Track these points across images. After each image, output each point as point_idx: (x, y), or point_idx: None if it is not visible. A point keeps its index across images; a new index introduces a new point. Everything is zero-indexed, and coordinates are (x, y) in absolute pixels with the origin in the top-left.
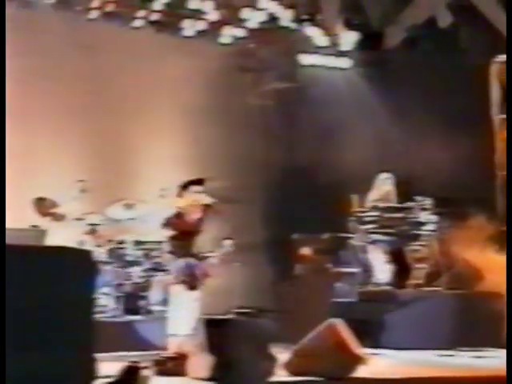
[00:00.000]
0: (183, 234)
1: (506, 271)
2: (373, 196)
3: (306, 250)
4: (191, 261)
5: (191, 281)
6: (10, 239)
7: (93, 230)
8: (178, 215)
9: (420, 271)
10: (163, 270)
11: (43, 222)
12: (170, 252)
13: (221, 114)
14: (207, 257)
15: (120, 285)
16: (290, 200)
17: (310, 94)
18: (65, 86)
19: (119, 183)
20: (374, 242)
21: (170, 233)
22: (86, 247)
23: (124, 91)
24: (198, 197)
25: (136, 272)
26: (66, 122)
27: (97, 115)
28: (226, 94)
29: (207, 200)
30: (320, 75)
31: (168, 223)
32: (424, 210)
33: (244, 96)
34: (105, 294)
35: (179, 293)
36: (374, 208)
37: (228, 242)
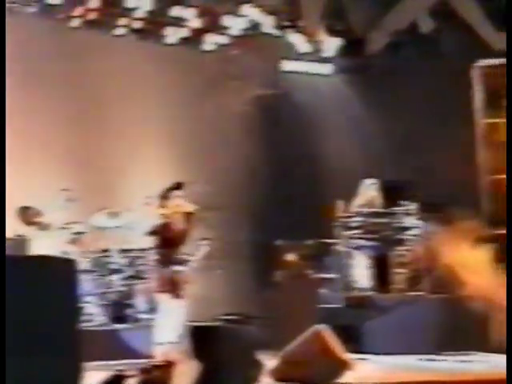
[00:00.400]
0: (168, 242)
1: (506, 272)
2: (358, 202)
3: (290, 257)
4: (173, 268)
5: (172, 287)
6: None
7: (77, 239)
8: (163, 225)
9: (404, 276)
10: (145, 278)
11: (28, 231)
12: (155, 260)
13: (204, 121)
14: (187, 261)
15: (105, 293)
16: (274, 206)
17: (292, 100)
18: (48, 94)
19: (104, 191)
20: (358, 248)
21: (155, 241)
22: (71, 256)
23: (107, 99)
24: (180, 202)
25: (119, 280)
26: (49, 130)
27: (80, 123)
28: (209, 101)
29: (190, 207)
30: (303, 81)
31: (153, 232)
32: (409, 214)
33: (227, 103)
34: (90, 302)
35: (165, 301)
36: (359, 213)
37: (206, 243)
